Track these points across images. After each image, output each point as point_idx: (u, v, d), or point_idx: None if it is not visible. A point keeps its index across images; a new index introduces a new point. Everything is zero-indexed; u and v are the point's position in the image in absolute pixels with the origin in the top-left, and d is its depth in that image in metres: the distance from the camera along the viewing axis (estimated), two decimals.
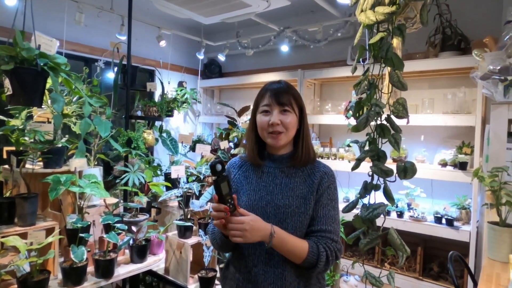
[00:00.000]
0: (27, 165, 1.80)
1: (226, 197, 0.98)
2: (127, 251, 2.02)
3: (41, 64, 1.41)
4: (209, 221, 2.01)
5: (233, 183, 1.17)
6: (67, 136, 2.04)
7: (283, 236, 1.02)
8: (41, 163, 1.87)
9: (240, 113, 3.33)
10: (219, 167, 0.97)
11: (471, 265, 2.49)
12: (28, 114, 1.89)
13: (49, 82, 1.53)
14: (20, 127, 1.74)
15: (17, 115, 1.84)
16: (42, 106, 1.75)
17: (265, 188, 1.12)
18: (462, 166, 2.66)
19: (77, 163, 1.83)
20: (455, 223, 2.72)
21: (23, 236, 1.57)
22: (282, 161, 1.15)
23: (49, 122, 1.86)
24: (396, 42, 1.28)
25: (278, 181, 1.12)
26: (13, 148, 1.79)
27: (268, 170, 1.15)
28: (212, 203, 1.03)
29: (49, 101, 1.80)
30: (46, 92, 1.71)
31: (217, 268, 1.96)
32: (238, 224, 0.97)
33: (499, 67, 1.88)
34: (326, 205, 1.11)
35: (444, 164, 2.82)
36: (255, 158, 1.15)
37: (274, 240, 1.00)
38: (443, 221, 2.76)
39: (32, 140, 1.77)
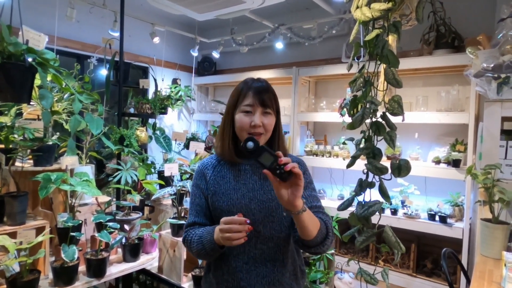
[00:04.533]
0: (17, 163, 1.76)
1: (274, 167, 0.89)
2: (119, 250, 2.00)
3: (29, 59, 1.37)
4: None
5: (210, 185, 1.13)
6: (58, 133, 2.01)
7: (310, 215, 0.98)
8: (31, 161, 1.84)
9: None
10: (250, 144, 0.89)
11: (464, 261, 2.51)
12: (17, 111, 1.85)
13: (38, 79, 1.50)
14: (9, 124, 1.70)
15: (6, 112, 1.80)
16: (32, 103, 1.71)
17: (244, 185, 1.10)
18: (455, 163, 2.68)
19: (68, 161, 1.79)
20: (449, 220, 2.73)
21: (13, 235, 1.54)
22: None
23: (39, 119, 1.83)
24: (391, 39, 1.27)
25: (257, 177, 1.11)
26: (2, 146, 1.75)
27: (244, 167, 1.13)
28: (222, 219, 0.96)
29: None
30: (36, 88, 1.68)
31: None
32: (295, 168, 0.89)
33: (492, 65, 1.89)
34: (307, 187, 1.11)
35: (437, 161, 2.84)
36: (233, 156, 1.12)
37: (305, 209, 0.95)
38: (437, 218, 2.78)
39: (21, 138, 1.74)
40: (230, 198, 1.09)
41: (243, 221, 0.93)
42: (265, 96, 1.07)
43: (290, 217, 1.08)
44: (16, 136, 1.72)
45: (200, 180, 1.16)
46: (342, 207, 1.24)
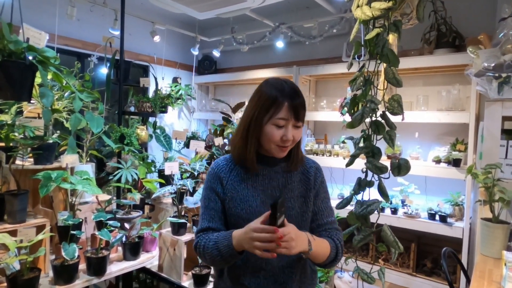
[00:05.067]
0: (17, 161, 1.76)
1: (280, 216, 0.87)
2: (120, 248, 2.00)
3: (30, 57, 1.37)
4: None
5: (227, 190, 1.08)
6: (58, 132, 2.01)
7: (316, 241, 0.99)
8: (32, 159, 1.84)
9: (235, 109, 3.30)
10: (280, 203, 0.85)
11: (464, 261, 2.51)
12: (18, 109, 1.85)
13: (39, 77, 1.50)
14: (10, 122, 1.70)
15: (6, 110, 1.80)
16: (32, 101, 1.71)
17: (263, 192, 1.06)
18: (455, 163, 2.67)
19: (69, 159, 1.79)
20: (449, 220, 2.73)
21: (13, 233, 1.54)
22: (275, 161, 1.10)
23: (40, 118, 1.83)
24: (391, 38, 1.27)
25: (276, 184, 1.08)
26: (2, 144, 1.75)
27: (263, 172, 1.08)
28: (253, 226, 0.90)
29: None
30: (36, 86, 1.68)
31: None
32: (285, 236, 0.86)
33: (493, 64, 1.89)
34: (324, 198, 1.12)
35: (438, 161, 2.84)
36: (254, 164, 1.06)
37: (312, 246, 0.95)
38: (437, 217, 2.78)
39: (22, 136, 1.74)
40: (249, 205, 1.04)
41: (273, 231, 0.86)
42: (300, 111, 1.02)
43: (308, 222, 1.09)
44: (16, 134, 1.72)
45: (215, 183, 1.09)
46: (341, 206, 1.24)
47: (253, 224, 0.90)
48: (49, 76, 1.66)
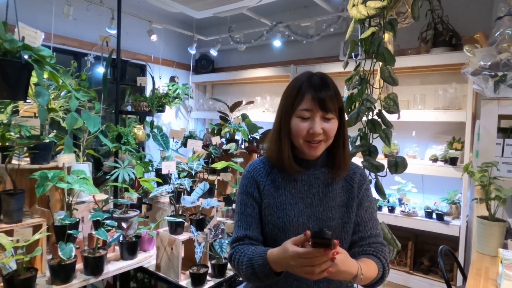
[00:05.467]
0: (13, 161, 1.75)
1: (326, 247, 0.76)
2: (117, 247, 2.00)
3: (25, 56, 1.36)
4: (200, 216, 2.00)
5: (264, 196, 1.00)
6: (54, 131, 2.00)
7: (366, 271, 0.88)
8: (28, 159, 1.83)
9: (232, 108, 3.30)
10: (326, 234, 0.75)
11: (461, 259, 2.52)
12: (14, 109, 1.84)
13: (35, 76, 1.49)
14: (5, 121, 1.69)
15: (2, 109, 1.79)
16: (28, 100, 1.70)
17: (302, 200, 0.97)
18: (452, 161, 2.68)
19: (65, 158, 1.79)
20: (446, 218, 2.75)
21: (9, 233, 1.53)
22: (316, 166, 1.00)
23: (36, 117, 1.82)
24: (387, 37, 1.27)
25: (316, 191, 0.98)
26: None
27: (302, 178, 0.99)
28: (300, 251, 0.78)
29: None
30: (32, 86, 1.67)
31: (209, 264, 1.95)
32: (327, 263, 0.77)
33: (489, 63, 1.89)
34: (368, 207, 1.01)
35: (435, 159, 2.85)
36: (292, 165, 0.97)
37: (361, 281, 0.87)
38: (434, 215, 2.79)
39: (18, 135, 1.73)
40: (287, 215, 0.96)
41: (323, 253, 0.76)
42: (326, 100, 0.92)
43: (350, 234, 0.99)
44: (12, 133, 1.71)
45: (252, 187, 1.01)
46: None
47: (301, 251, 0.78)
48: (45, 75, 1.65)
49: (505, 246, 1.56)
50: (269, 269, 0.87)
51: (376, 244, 0.98)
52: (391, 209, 2.96)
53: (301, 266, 0.78)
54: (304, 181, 0.99)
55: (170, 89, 3.99)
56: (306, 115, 0.93)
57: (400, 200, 3.07)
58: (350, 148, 1.25)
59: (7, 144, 1.70)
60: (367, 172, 1.24)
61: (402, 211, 2.93)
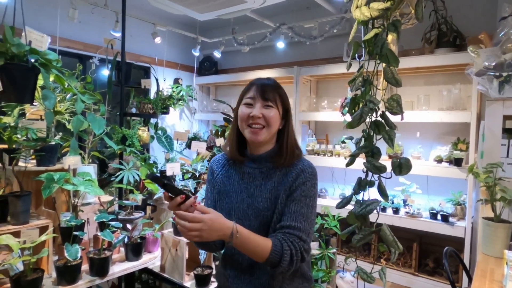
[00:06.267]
0: (20, 163, 1.77)
1: (178, 193, 0.94)
2: (122, 249, 2.01)
3: (32, 60, 1.38)
4: None
5: (216, 183, 1.16)
6: (60, 133, 2.02)
7: (246, 235, 0.95)
8: (34, 161, 1.85)
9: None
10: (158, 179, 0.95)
11: (466, 260, 2.51)
12: (20, 112, 1.86)
13: (41, 79, 1.51)
14: (12, 124, 1.71)
15: (9, 112, 1.81)
16: (34, 103, 1.72)
17: (246, 190, 1.10)
18: (457, 162, 2.67)
19: (71, 160, 1.81)
20: (450, 219, 2.73)
21: (16, 234, 1.55)
22: (261, 161, 1.11)
23: (42, 120, 1.84)
24: (391, 38, 1.27)
25: (258, 183, 1.09)
26: (5, 146, 1.77)
27: (248, 170, 1.12)
28: (181, 213, 0.93)
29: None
30: (39, 89, 1.69)
31: (213, 266, 1.95)
32: (195, 223, 0.89)
33: (494, 64, 1.88)
34: (299, 201, 1.03)
35: (439, 160, 2.83)
36: (235, 154, 1.12)
37: (236, 239, 0.93)
38: (439, 217, 2.78)
39: (24, 138, 1.75)
40: (231, 201, 1.10)
41: (179, 200, 0.93)
42: (267, 90, 1.06)
43: (271, 227, 1.08)
44: (19, 136, 1.73)
45: (210, 175, 1.19)
46: (340, 205, 1.25)
47: (182, 213, 0.92)
48: (51, 78, 1.67)
49: (510, 248, 1.55)
50: None
51: (291, 234, 1.00)
52: (396, 210, 2.95)
53: (178, 224, 0.92)
54: (250, 174, 1.11)
55: (174, 91, 4.01)
56: (249, 101, 1.07)
57: (404, 201, 3.06)
58: (354, 149, 1.25)
59: (14, 146, 1.72)
60: (370, 173, 1.24)
61: (406, 212, 2.92)
